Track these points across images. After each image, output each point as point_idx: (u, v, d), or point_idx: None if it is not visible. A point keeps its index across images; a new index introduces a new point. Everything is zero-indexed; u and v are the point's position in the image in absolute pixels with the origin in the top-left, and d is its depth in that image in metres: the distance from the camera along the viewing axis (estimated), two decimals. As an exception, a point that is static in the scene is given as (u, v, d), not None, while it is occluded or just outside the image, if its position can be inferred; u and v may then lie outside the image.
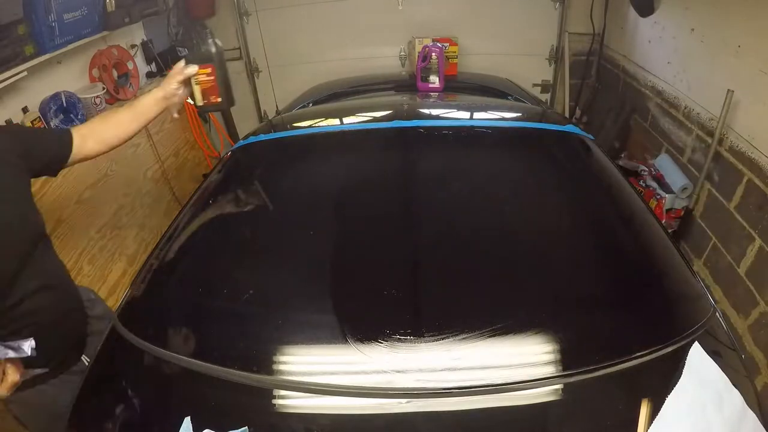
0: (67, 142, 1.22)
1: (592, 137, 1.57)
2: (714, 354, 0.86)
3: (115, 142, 1.31)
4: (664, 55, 2.45)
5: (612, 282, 1.05)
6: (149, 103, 1.34)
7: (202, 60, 1.42)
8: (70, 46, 2.07)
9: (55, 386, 1.20)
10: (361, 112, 1.64)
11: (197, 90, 1.46)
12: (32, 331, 1.08)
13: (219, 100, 1.46)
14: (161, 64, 2.86)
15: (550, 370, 0.82)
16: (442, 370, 0.83)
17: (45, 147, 1.20)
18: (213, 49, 1.44)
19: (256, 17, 3.42)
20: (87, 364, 1.19)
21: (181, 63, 1.36)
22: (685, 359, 0.82)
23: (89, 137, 1.26)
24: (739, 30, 1.84)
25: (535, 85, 3.45)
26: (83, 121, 2.13)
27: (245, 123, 3.73)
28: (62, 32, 1.98)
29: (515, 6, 3.24)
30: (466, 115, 1.78)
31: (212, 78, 1.44)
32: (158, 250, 1.21)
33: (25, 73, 1.82)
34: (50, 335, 1.14)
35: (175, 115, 1.41)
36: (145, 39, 2.80)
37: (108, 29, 2.35)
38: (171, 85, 1.34)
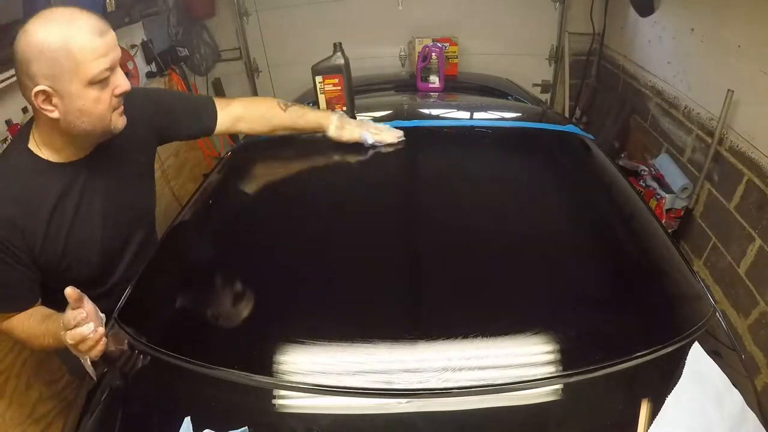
0: (211, 121, 1.29)
1: (592, 137, 1.57)
2: (714, 354, 0.86)
3: (263, 133, 1.41)
4: (664, 55, 2.45)
5: (612, 282, 1.05)
6: (313, 125, 1.40)
7: (329, 71, 1.49)
8: (70, 46, 2.07)
9: None
10: (362, 112, 1.64)
11: (322, 99, 1.55)
12: None
13: (344, 109, 1.54)
14: (161, 64, 2.86)
15: (550, 370, 0.82)
16: (442, 370, 0.83)
17: (184, 125, 1.27)
18: (341, 61, 1.50)
19: (256, 17, 3.42)
20: None
21: None
22: (685, 359, 0.82)
23: (241, 121, 1.34)
24: (739, 30, 1.84)
25: (535, 85, 3.45)
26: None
27: (245, 123, 3.73)
28: (62, 32, 1.98)
29: (515, 6, 3.24)
30: (466, 115, 1.78)
31: (339, 88, 1.52)
32: (158, 250, 1.21)
33: (26, 73, 1.81)
34: None
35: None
36: (145, 39, 2.79)
37: (108, 29, 2.35)
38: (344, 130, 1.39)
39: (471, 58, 3.30)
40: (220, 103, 1.32)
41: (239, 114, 1.33)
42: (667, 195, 2.24)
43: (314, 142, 1.59)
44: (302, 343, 0.90)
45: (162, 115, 1.22)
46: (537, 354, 0.86)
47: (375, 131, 1.37)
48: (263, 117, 1.36)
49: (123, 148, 1.12)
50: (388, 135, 1.37)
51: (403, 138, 1.38)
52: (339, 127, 1.37)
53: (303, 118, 1.38)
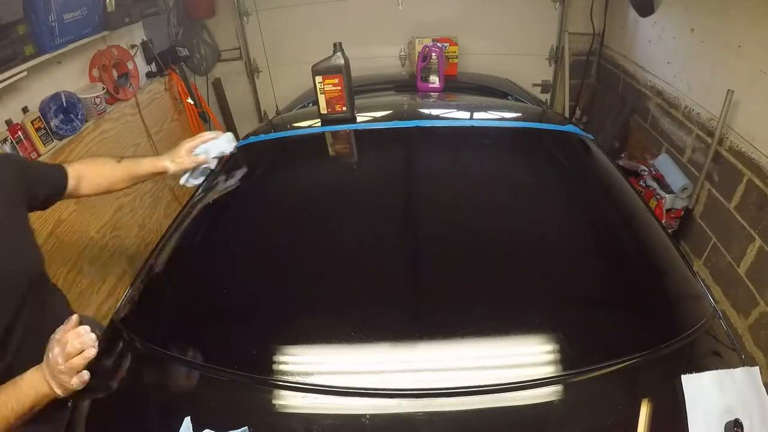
0: (63, 180, 1.22)
1: (592, 137, 1.57)
2: (714, 354, 0.86)
3: (104, 191, 1.33)
4: (664, 55, 2.45)
5: (612, 282, 1.05)
6: (148, 168, 1.33)
7: (329, 71, 1.49)
8: (70, 46, 2.07)
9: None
10: (362, 112, 1.64)
11: (322, 99, 1.55)
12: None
13: (344, 109, 1.54)
14: (161, 64, 2.86)
15: (550, 370, 0.82)
16: (442, 370, 0.83)
17: (44, 183, 1.18)
18: (341, 61, 1.50)
19: (256, 17, 3.42)
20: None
21: (199, 139, 1.36)
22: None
23: (83, 180, 1.26)
24: (739, 30, 1.84)
25: (535, 85, 3.45)
26: (83, 121, 2.13)
27: (245, 123, 3.74)
28: (62, 32, 1.98)
29: (515, 6, 3.24)
30: (466, 115, 1.78)
31: (339, 88, 1.52)
32: (158, 250, 1.21)
33: (25, 73, 1.82)
34: None
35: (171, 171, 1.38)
36: (145, 39, 2.80)
37: (108, 29, 2.35)
38: (179, 158, 1.34)
39: (471, 58, 3.30)
40: (65, 165, 1.27)
41: (80, 173, 1.26)
42: (667, 195, 2.24)
43: (314, 141, 1.60)
44: (302, 343, 0.90)
45: (23, 177, 1.13)
46: (537, 354, 0.86)
47: (204, 140, 1.36)
48: (101, 173, 1.30)
49: None
50: (214, 136, 1.37)
51: (232, 138, 1.40)
52: (173, 159, 1.34)
53: (138, 165, 1.33)
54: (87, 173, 1.28)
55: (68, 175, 1.23)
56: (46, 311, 1.09)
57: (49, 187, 1.20)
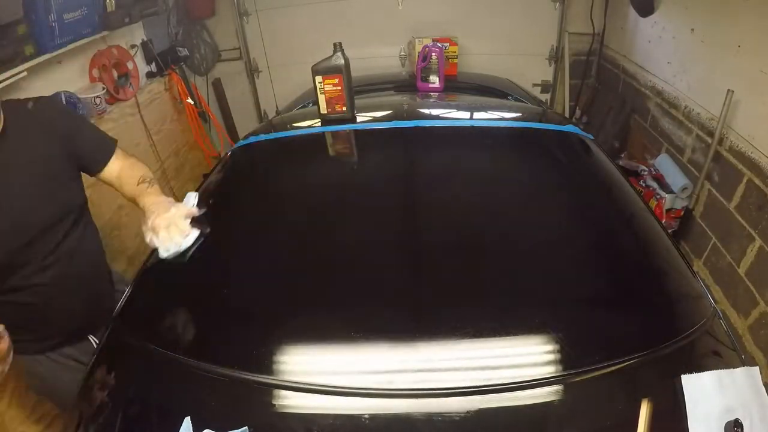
0: (107, 154, 1.25)
1: (591, 137, 1.57)
2: (714, 354, 0.86)
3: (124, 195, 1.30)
4: (664, 55, 2.45)
5: (612, 282, 1.04)
6: (143, 205, 1.21)
7: (329, 71, 1.49)
8: (70, 46, 2.07)
9: (56, 361, 1.26)
10: (362, 112, 1.64)
11: (322, 99, 1.55)
12: (41, 305, 1.14)
13: (344, 109, 1.55)
14: (161, 64, 2.86)
15: (550, 370, 0.82)
16: (442, 370, 0.83)
17: (87, 140, 1.23)
18: (341, 61, 1.51)
19: (256, 17, 3.43)
20: (94, 345, 1.26)
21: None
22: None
23: (122, 177, 1.26)
24: (739, 30, 1.84)
25: (535, 85, 3.45)
26: (83, 121, 2.13)
27: (245, 123, 3.74)
28: (62, 32, 1.98)
29: (515, 6, 3.25)
30: (466, 115, 1.78)
31: (339, 88, 1.52)
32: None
33: (25, 73, 1.81)
34: (56, 311, 1.19)
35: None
36: (145, 39, 2.79)
37: (108, 29, 2.35)
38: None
39: (471, 58, 3.30)
40: (117, 152, 1.27)
41: (123, 167, 1.26)
42: (667, 195, 2.24)
43: (314, 141, 1.60)
44: (302, 343, 0.90)
45: (67, 131, 1.18)
46: (537, 354, 0.86)
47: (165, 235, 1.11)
48: (131, 181, 1.26)
49: (10, 156, 1.07)
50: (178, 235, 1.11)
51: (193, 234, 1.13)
52: (147, 227, 1.13)
53: (142, 197, 1.23)
54: (125, 174, 1.27)
55: (114, 155, 1.26)
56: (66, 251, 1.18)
57: (91, 150, 1.23)
